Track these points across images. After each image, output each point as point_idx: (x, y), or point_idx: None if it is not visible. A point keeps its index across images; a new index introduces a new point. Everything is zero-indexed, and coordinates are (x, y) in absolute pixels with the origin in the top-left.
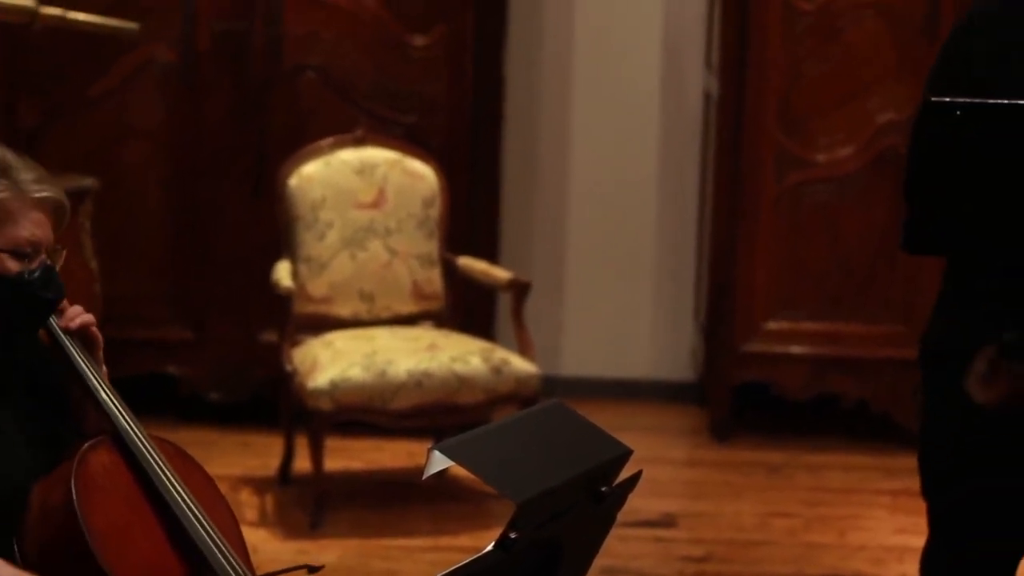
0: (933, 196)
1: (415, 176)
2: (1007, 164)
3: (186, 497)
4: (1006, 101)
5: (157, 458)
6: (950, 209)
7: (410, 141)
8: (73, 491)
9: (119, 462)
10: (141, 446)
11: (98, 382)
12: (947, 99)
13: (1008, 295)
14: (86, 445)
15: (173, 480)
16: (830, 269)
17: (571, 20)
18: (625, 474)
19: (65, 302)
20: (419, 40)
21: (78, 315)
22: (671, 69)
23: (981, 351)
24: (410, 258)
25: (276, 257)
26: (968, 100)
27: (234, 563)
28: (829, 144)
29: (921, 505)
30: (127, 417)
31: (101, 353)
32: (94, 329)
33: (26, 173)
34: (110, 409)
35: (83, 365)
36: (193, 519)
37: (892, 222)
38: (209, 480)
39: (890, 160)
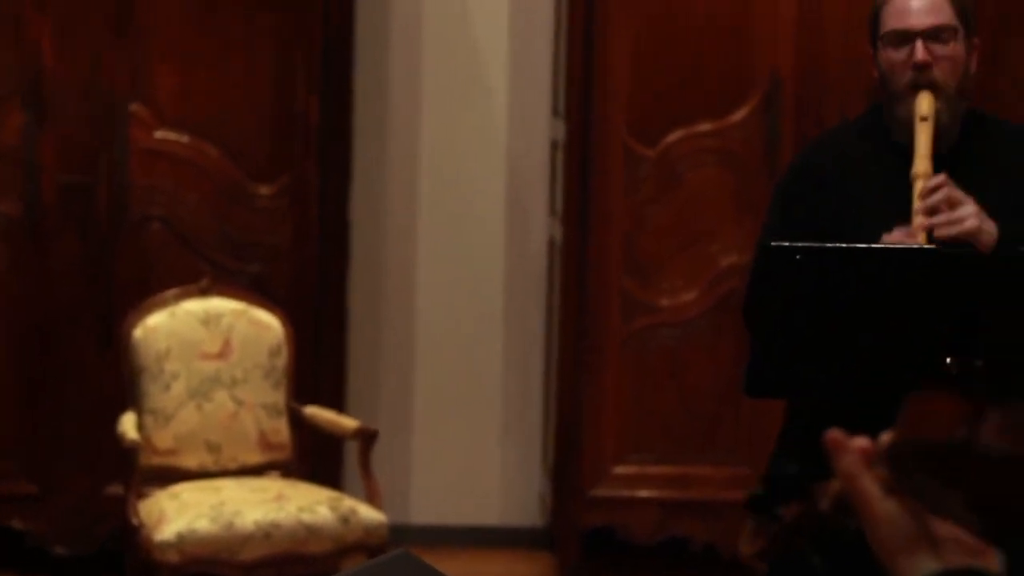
0: (773, 340)
1: (261, 326)
2: (845, 307)
3: None
4: (844, 245)
5: None
6: (788, 353)
7: (256, 291)
8: None
9: None
10: None
11: None
12: (786, 243)
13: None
14: None
15: None
16: (677, 412)
17: (416, 168)
18: None
19: None
20: (263, 189)
21: None
22: (515, 216)
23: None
24: (256, 408)
25: (123, 409)
26: (808, 244)
27: None
28: (672, 288)
29: None
30: None
31: None
32: None
33: None
34: None
35: None
36: None
37: (736, 364)
38: None
39: (732, 303)
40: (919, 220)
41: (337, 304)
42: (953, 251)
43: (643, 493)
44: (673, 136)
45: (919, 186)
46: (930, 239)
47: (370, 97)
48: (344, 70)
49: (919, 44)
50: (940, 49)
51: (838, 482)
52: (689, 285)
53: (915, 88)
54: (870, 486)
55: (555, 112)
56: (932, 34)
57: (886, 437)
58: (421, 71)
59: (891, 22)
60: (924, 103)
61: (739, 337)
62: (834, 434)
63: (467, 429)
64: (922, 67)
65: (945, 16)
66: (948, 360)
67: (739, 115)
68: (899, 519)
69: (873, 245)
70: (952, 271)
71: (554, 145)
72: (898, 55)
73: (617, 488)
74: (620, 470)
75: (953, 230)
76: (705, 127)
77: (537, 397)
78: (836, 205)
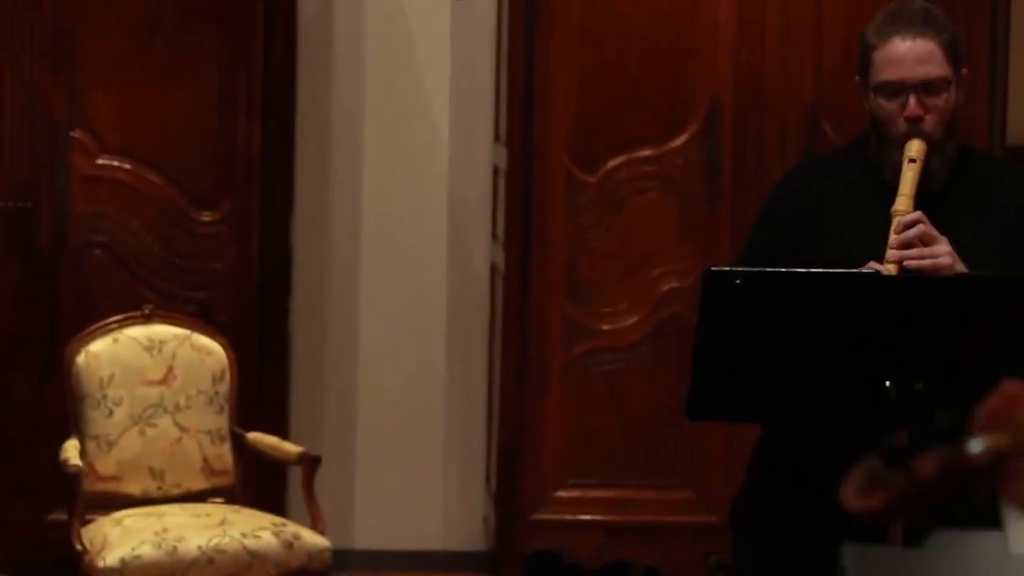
0: (713, 363)
1: (204, 352)
2: (784, 332)
3: None
4: (783, 270)
5: None
6: (728, 376)
7: (199, 317)
8: None
9: None
10: None
11: None
12: (727, 268)
13: (804, 471)
14: None
15: None
16: (619, 436)
17: (358, 194)
18: None
19: None
20: (206, 216)
21: None
22: (457, 241)
23: (862, 463)
24: (200, 434)
25: (66, 435)
26: (747, 269)
27: None
28: (614, 313)
29: None
30: None
31: None
32: None
33: None
34: None
35: None
36: None
37: (677, 389)
38: None
39: (673, 328)
40: (892, 253)
41: (280, 330)
42: (893, 276)
43: (585, 517)
44: (614, 162)
45: (895, 222)
46: (902, 273)
47: (312, 123)
48: (286, 97)
49: (912, 99)
50: (932, 100)
51: (1003, 436)
52: (631, 310)
53: (907, 137)
54: None
55: (497, 138)
56: (924, 86)
57: None
58: (363, 98)
59: (883, 72)
60: (914, 147)
61: (680, 361)
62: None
63: (410, 454)
64: (915, 120)
65: (937, 66)
66: (888, 384)
67: (680, 141)
68: None
69: (813, 270)
70: (892, 296)
71: (496, 171)
72: (891, 105)
73: (560, 512)
74: (563, 494)
75: (925, 263)
76: (646, 153)
77: (480, 422)
78: (818, 237)
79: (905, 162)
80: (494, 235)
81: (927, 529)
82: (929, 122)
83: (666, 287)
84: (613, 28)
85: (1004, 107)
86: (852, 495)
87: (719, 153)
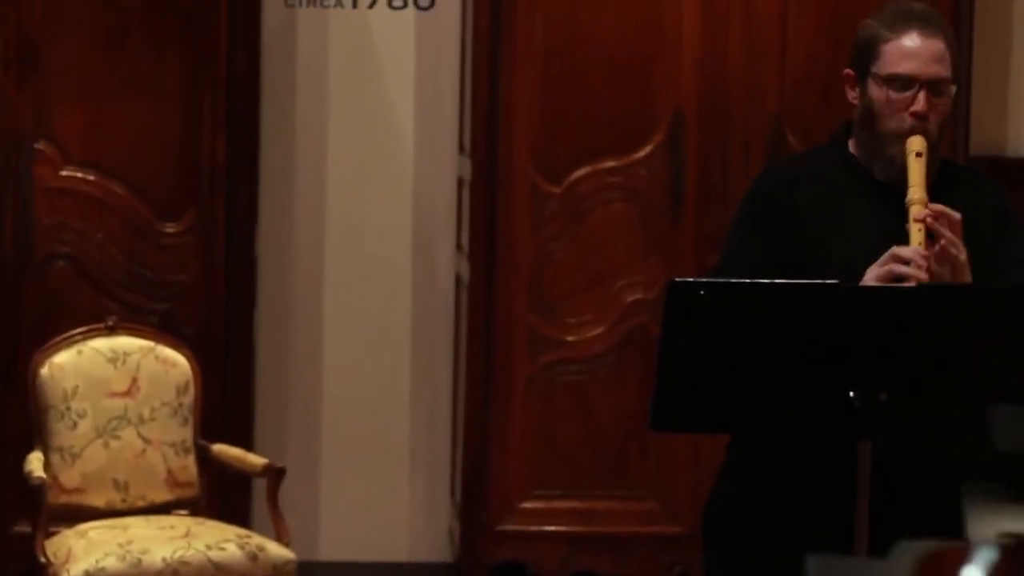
0: (678, 374)
1: (168, 364)
2: (749, 342)
3: None
4: (747, 280)
5: None
6: (692, 386)
7: (163, 328)
8: None
9: None
10: None
11: None
12: (690, 279)
13: (771, 479)
14: None
15: None
16: (583, 447)
17: (322, 205)
18: None
19: None
20: (170, 227)
21: None
22: (422, 253)
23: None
24: (164, 446)
25: (29, 447)
26: (710, 280)
27: None
28: (579, 324)
29: None
30: None
31: None
32: None
33: None
34: None
35: None
36: None
37: (642, 399)
38: None
39: (638, 339)
40: (923, 213)
41: (244, 341)
42: (857, 286)
43: (550, 528)
44: (578, 173)
45: (916, 209)
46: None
47: (276, 135)
48: (250, 108)
49: (922, 94)
50: (936, 101)
51: None
52: (595, 321)
53: (910, 132)
54: None
55: (461, 149)
56: (933, 85)
57: None
58: (328, 109)
59: (895, 65)
60: (916, 142)
61: (645, 372)
62: None
63: (375, 466)
64: (922, 117)
65: (946, 68)
66: (852, 394)
67: (644, 152)
68: None
69: (775, 280)
70: (857, 306)
71: (460, 182)
72: (898, 97)
73: (525, 523)
74: (528, 505)
75: (953, 252)
76: (610, 164)
77: (445, 433)
78: (803, 236)
79: (911, 156)
80: (459, 246)
81: (892, 538)
82: (932, 122)
83: (630, 298)
84: (577, 40)
85: (967, 118)
86: None
87: (683, 164)
